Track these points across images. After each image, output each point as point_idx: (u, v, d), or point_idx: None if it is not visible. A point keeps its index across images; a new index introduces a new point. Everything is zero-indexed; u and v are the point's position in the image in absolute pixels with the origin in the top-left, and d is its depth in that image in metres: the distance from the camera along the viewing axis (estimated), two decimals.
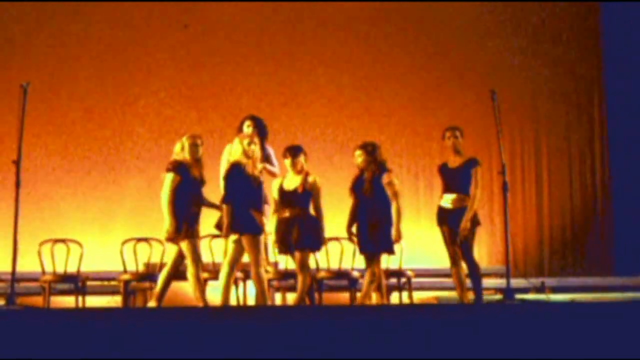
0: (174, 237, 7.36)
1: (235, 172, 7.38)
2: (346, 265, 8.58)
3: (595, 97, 11.78)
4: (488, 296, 9.87)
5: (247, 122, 8.27)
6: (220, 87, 11.13)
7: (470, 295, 7.90)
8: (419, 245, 10.67)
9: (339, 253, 8.49)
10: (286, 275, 8.42)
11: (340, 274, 8.33)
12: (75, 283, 8.31)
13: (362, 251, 7.72)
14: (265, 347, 5.30)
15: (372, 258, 7.69)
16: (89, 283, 8.52)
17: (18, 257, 7.16)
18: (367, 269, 7.72)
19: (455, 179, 7.77)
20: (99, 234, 10.37)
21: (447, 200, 7.80)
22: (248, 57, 11.23)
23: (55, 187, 10.66)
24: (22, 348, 5.19)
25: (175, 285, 8.80)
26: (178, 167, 7.48)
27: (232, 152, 7.56)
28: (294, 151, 7.77)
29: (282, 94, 11.20)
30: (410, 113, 11.39)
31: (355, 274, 8.43)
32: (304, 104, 11.17)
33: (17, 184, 7.21)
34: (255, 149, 7.50)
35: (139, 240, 8.27)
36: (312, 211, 7.71)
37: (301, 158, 7.75)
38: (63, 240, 8.52)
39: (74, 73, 10.90)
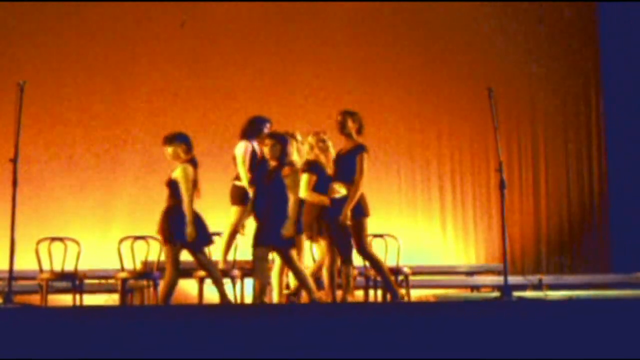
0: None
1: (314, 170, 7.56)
2: None
3: (592, 95, 11.80)
4: (485, 294, 9.90)
5: (268, 125, 8.31)
6: (219, 85, 11.12)
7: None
8: (417, 242, 10.69)
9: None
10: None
11: (338, 272, 8.30)
12: (73, 281, 8.30)
13: (261, 244, 7.39)
14: (260, 345, 5.30)
15: (279, 253, 7.46)
16: (86, 281, 8.51)
17: (15, 256, 7.16)
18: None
19: (341, 166, 7.51)
20: (97, 232, 10.36)
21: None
22: (246, 55, 11.22)
23: (53, 185, 10.65)
24: (20, 346, 5.19)
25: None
26: (312, 167, 7.63)
27: (304, 151, 7.69)
28: (164, 140, 7.59)
29: (279, 93, 11.19)
30: (408, 110, 11.40)
31: (354, 272, 8.42)
32: (302, 102, 11.16)
33: (14, 183, 7.20)
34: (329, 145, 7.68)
35: (137, 238, 8.26)
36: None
37: (168, 148, 7.51)
38: (60, 239, 8.50)
39: (71, 71, 10.89)
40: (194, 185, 7.47)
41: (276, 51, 11.29)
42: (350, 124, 7.64)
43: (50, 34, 10.93)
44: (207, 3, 11.17)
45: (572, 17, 11.82)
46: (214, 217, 7.75)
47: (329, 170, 7.65)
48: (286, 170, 7.38)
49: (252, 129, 8.25)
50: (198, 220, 7.43)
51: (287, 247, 7.35)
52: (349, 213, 7.40)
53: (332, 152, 7.78)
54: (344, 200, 7.42)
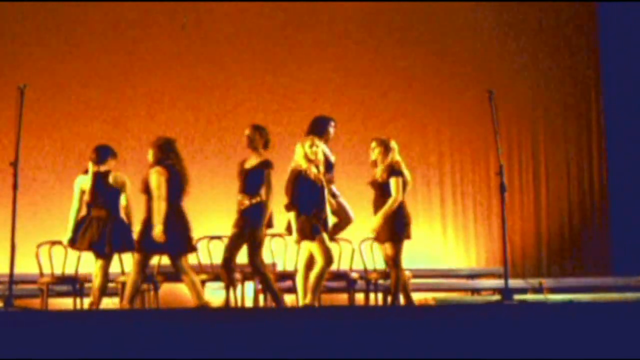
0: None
1: (299, 179, 7.44)
2: (344, 266, 8.57)
3: (592, 97, 11.79)
4: (486, 297, 9.89)
5: (333, 123, 8.29)
6: (219, 88, 11.11)
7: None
8: (417, 246, 10.66)
9: (337, 254, 8.47)
10: (284, 276, 8.43)
11: (339, 276, 8.31)
12: (73, 285, 8.30)
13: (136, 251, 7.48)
14: (263, 348, 5.30)
15: (171, 260, 7.48)
16: (86, 285, 8.49)
17: (16, 259, 7.15)
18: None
19: (248, 180, 7.58)
20: None
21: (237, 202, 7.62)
22: (247, 57, 11.21)
23: (53, 188, 10.62)
24: (21, 350, 5.19)
25: (173, 287, 8.81)
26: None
27: (295, 157, 7.60)
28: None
29: (279, 95, 11.18)
30: (408, 113, 11.38)
31: (354, 275, 8.41)
32: (302, 104, 11.14)
33: (15, 186, 7.20)
34: (318, 150, 7.54)
35: None
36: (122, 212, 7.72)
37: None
38: (61, 242, 8.49)
39: (71, 75, 10.87)
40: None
41: (276, 53, 11.27)
42: (257, 138, 7.67)
43: (50, 37, 10.92)
44: (207, 5, 11.16)
45: (572, 19, 11.82)
46: (218, 219, 7.74)
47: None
48: (150, 172, 7.39)
49: (318, 129, 8.18)
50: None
51: (172, 253, 7.36)
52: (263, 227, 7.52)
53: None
54: (256, 211, 7.48)
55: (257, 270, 7.60)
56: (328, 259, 7.42)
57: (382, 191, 7.75)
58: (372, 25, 11.47)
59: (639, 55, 11.29)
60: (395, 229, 7.65)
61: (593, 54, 11.77)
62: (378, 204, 7.75)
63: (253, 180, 7.55)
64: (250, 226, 7.49)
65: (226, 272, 7.55)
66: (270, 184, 7.53)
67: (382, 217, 7.61)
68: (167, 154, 7.45)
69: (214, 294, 8.78)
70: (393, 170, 7.75)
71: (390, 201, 7.63)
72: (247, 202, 7.50)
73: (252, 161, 7.64)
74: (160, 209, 7.25)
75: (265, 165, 7.57)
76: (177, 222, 7.33)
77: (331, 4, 11.31)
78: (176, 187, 7.38)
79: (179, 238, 7.35)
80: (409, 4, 11.43)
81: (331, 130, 8.19)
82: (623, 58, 11.41)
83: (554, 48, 11.77)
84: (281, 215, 7.74)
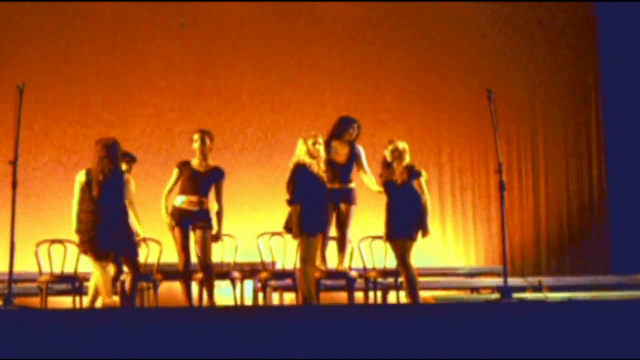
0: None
1: (302, 173, 7.46)
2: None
3: (591, 95, 11.80)
4: (486, 295, 9.89)
5: (355, 125, 8.34)
6: (218, 88, 11.12)
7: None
8: (417, 244, 10.66)
9: (336, 253, 8.46)
10: (283, 275, 8.43)
11: (338, 274, 8.30)
12: (73, 283, 8.29)
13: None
14: (262, 347, 5.30)
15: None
16: (86, 283, 8.49)
17: (15, 258, 7.15)
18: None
19: (204, 183, 7.73)
20: None
21: (184, 202, 7.73)
22: (246, 57, 11.22)
23: (52, 187, 10.63)
24: (20, 349, 5.18)
25: (171, 285, 8.81)
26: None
27: (296, 152, 7.64)
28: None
29: (279, 95, 11.19)
30: (407, 112, 11.39)
31: (353, 273, 8.41)
32: (301, 104, 11.16)
33: (14, 185, 7.20)
34: (320, 148, 7.56)
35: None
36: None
37: None
38: (60, 241, 8.49)
39: (70, 73, 10.88)
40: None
41: (276, 53, 11.28)
42: (208, 143, 7.78)
43: (49, 36, 10.93)
44: (206, 5, 11.16)
45: (571, 18, 11.82)
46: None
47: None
48: None
49: (339, 129, 8.31)
50: None
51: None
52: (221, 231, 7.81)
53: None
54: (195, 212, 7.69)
55: (209, 266, 7.71)
56: (308, 258, 7.52)
57: (398, 193, 7.82)
58: (370, 27, 11.47)
59: (637, 54, 11.29)
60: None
61: (592, 53, 11.78)
62: (390, 206, 7.82)
63: (208, 184, 7.74)
64: (211, 226, 7.70)
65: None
66: (223, 193, 7.78)
67: (428, 219, 7.92)
68: (98, 156, 7.48)
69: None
70: (413, 172, 7.85)
71: (427, 202, 7.92)
72: (206, 206, 7.70)
73: (203, 165, 7.78)
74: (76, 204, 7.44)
75: (222, 174, 7.79)
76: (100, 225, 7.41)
77: (330, 4, 11.31)
78: (90, 191, 7.42)
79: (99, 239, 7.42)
80: (408, 6, 11.43)
81: (352, 131, 8.30)
82: (622, 57, 11.41)
83: (553, 47, 11.78)
84: (279, 214, 7.77)
